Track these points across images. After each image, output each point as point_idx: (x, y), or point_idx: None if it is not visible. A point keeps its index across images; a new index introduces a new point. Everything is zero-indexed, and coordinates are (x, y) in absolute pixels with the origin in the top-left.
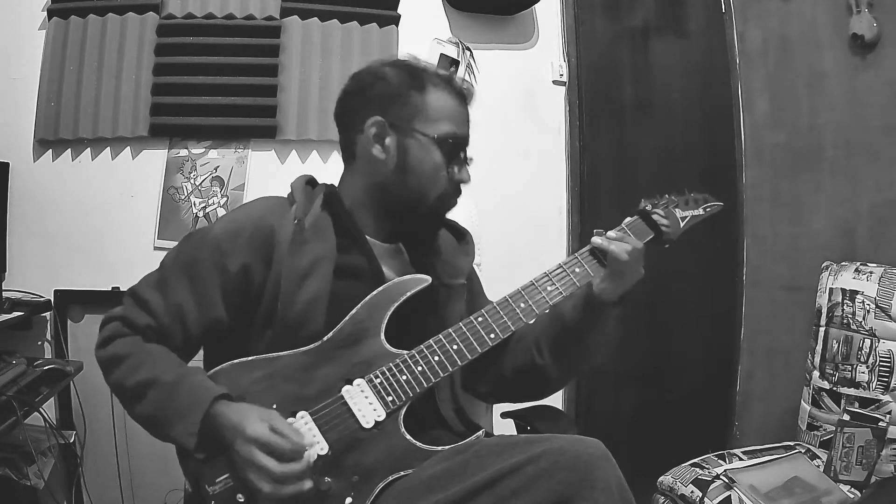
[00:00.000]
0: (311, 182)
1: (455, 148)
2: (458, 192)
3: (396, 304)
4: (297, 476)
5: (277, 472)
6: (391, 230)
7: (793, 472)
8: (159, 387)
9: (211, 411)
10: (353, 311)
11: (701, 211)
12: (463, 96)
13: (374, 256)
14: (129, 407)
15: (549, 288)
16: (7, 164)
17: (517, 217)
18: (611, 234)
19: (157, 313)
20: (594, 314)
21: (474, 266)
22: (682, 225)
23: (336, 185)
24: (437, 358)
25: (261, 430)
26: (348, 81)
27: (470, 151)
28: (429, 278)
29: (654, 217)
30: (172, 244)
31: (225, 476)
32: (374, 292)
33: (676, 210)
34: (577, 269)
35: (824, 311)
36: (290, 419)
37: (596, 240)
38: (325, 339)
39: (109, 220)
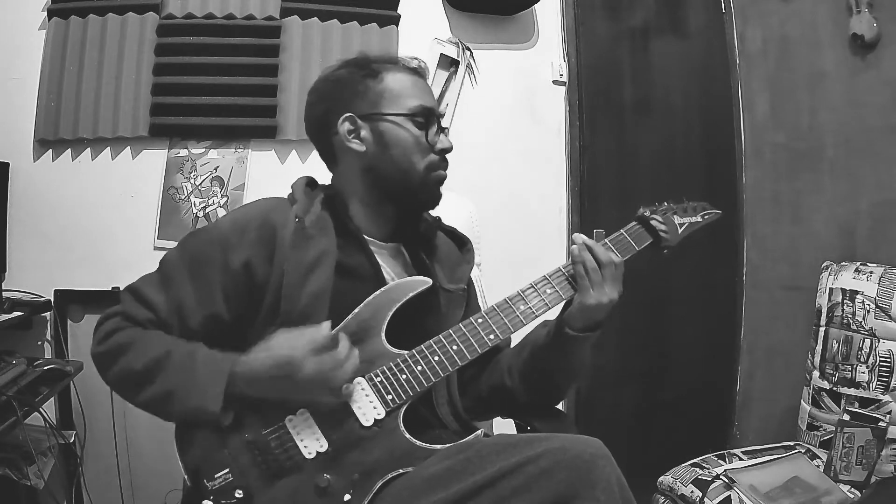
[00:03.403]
0: (310, 183)
1: (426, 117)
2: (445, 163)
3: (398, 305)
4: (349, 351)
5: (342, 356)
6: (391, 228)
7: (793, 472)
8: (174, 359)
9: (236, 370)
10: (356, 310)
11: (699, 218)
12: (416, 71)
13: (373, 256)
14: (137, 391)
15: (547, 291)
16: (7, 164)
17: (517, 217)
18: (588, 242)
19: (158, 308)
20: (564, 344)
21: (475, 268)
22: (680, 231)
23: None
24: (436, 358)
25: (304, 345)
26: (308, 97)
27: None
28: (430, 280)
29: (653, 223)
30: (172, 244)
31: (224, 471)
32: (377, 293)
33: (675, 217)
34: None
35: (824, 311)
36: (291, 416)
37: (574, 248)
38: None
39: (109, 220)
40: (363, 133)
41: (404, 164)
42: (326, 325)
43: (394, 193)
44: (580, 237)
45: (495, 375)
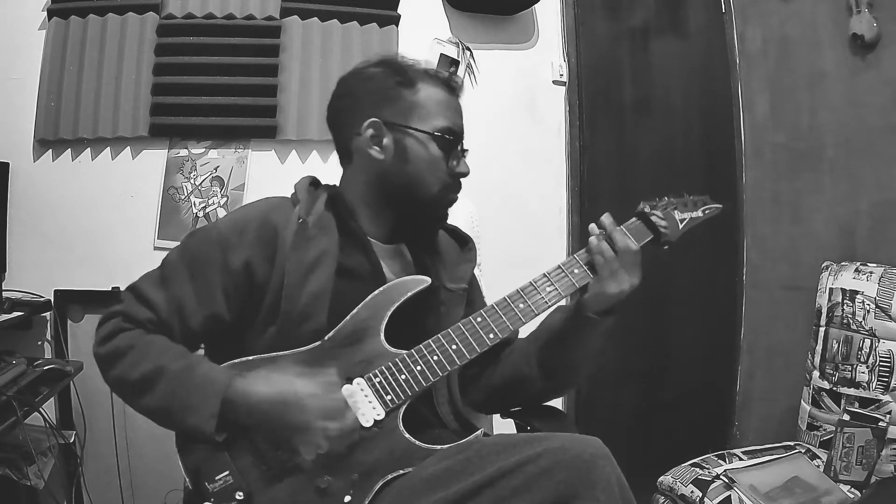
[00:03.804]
0: (314, 183)
1: (451, 141)
2: (459, 186)
3: (397, 305)
4: (351, 428)
5: (335, 431)
6: (393, 230)
7: (793, 472)
8: (169, 374)
9: (231, 392)
10: (354, 310)
11: (700, 213)
12: (453, 89)
13: (375, 256)
14: (134, 399)
15: (547, 289)
16: (7, 164)
17: (517, 217)
18: (608, 227)
19: (158, 308)
20: (582, 326)
21: (476, 269)
22: (680, 227)
23: (338, 186)
24: (435, 357)
25: (310, 390)
26: (337, 86)
27: (469, 149)
28: (429, 279)
29: (653, 219)
30: (172, 244)
31: (225, 473)
32: (375, 292)
33: (675, 212)
34: (576, 270)
35: (824, 311)
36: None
37: (592, 240)
38: (325, 338)
39: (109, 220)
40: (385, 141)
41: (419, 181)
42: (339, 388)
43: (401, 206)
44: (595, 229)
45: (510, 366)
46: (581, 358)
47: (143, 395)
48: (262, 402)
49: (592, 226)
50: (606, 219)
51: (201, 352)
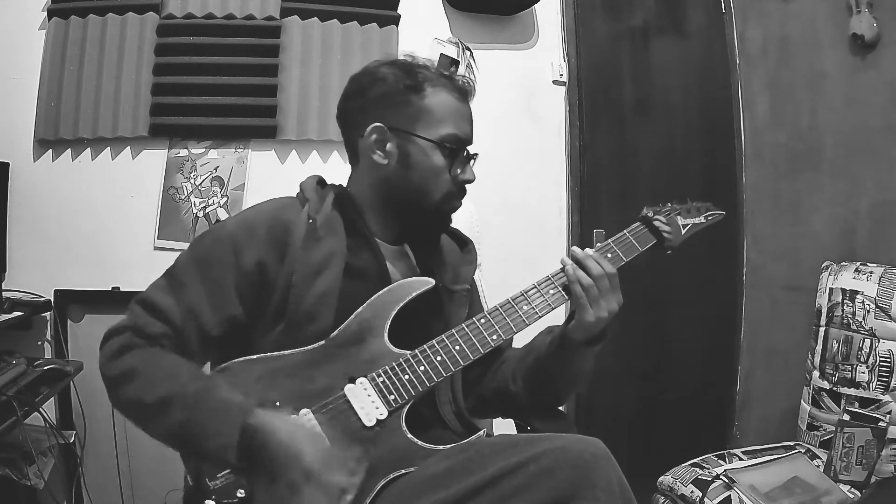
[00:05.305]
0: (321, 182)
1: (457, 149)
2: (463, 192)
3: (401, 305)
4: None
5: (347, 483)
6: (398, 232)
7: (793, 472)
8: (184, 400)
9: (249, 423)
10: (359, 310)
11: (702, 219)
12: (463, 93)
13: (381, 257)
14: (146, 424)
15: (550, 291)
16: (7, 164)
17: (517, 217)
18: (589, 251)
19: (172, 319)
20: (566, 351)
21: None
22: (683, 232)
23: (345, 185)
24: (439, 358)
25: (316, 464)
26: (347, 84)
27: (472, 149)
28: (433, 280)
29: (656, 223)
30: (172, 244)
31: (226, 471)
32: (380, 292)
33: (678, 217)
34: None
35: (824, 311)
36: (293, 416)
37: (568, 269)
38: (329, 337)
39: (109, 220)
40: (389, 146)
41: (422, 189)
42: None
43: (404, 211)
44: (568, 260)
45: (499, 379)
46: (566, 381)
47: (155, 420)
48: (276, 448)
49: (564, 258)
50: (578, 251)
51: None
